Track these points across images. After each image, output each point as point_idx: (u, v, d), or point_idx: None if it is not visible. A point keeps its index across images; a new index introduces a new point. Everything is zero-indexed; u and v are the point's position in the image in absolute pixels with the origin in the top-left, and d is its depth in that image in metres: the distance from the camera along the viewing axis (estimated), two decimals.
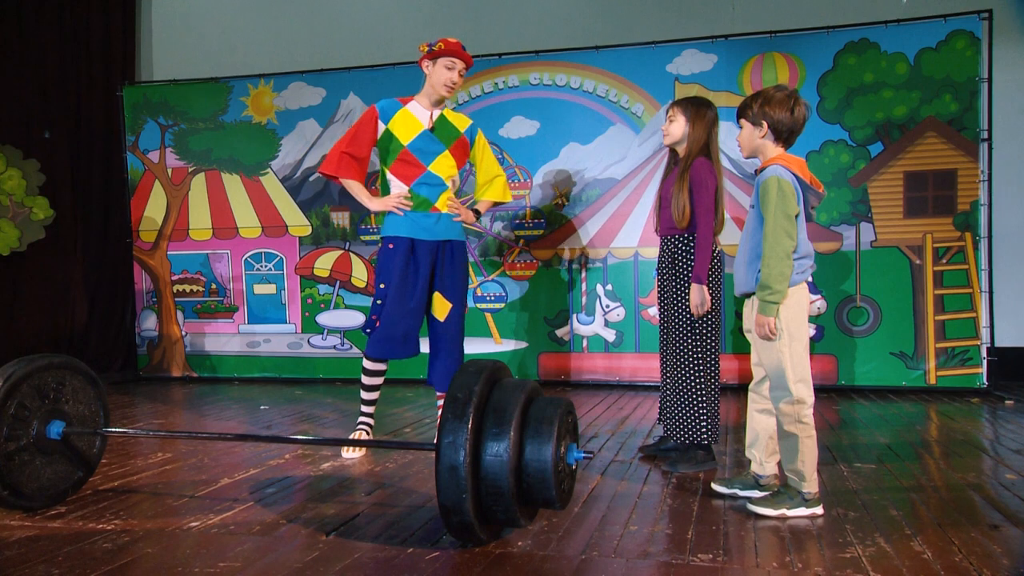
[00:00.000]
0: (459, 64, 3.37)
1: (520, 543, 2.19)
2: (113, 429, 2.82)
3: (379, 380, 3.47)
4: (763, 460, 2.60)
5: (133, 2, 6.73)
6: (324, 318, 5.85)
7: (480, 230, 5.52)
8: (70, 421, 2.61)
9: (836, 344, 4.98)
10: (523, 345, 5.50)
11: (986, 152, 4.80)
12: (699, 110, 3.05)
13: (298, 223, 5.88)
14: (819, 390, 4.66)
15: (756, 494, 2.54)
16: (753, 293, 2.49)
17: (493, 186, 3.62)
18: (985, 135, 4.80)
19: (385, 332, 3.33)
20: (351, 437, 3.47)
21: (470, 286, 5.49)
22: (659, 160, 5.17)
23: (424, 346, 3.50)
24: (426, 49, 3.38)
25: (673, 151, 3.16)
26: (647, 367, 5.22)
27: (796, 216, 2.38)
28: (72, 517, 2.50)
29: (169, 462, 3.28)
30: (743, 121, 2.51)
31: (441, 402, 3.55)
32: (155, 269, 6.14)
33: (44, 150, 6.52)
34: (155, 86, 6.19)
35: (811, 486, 2.40)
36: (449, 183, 3.45)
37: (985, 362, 4.80)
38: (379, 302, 3.36)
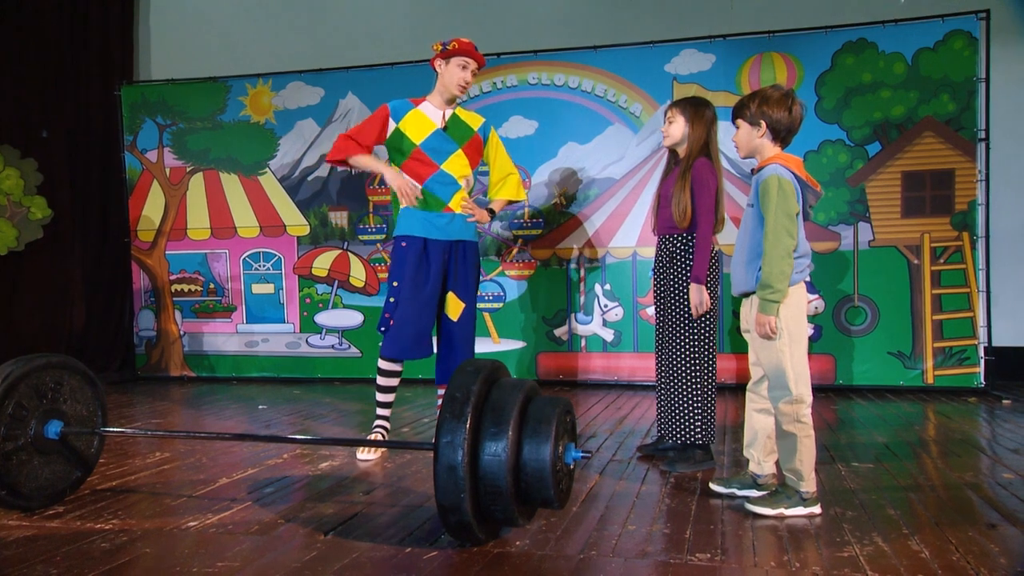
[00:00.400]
0: (472, 64, 3.38)
1: (518, 542, 2.19)
2: (111, 429, 2.82)
3: (395, 381, 3.45)
4: (761, 460, 2.60)
5: (131, 1, 6.72)
6: (322, 318, 5.85)
7: (480, 230, 5.52)
8: (68, 421, 2.60)
9: (834, 344, 4.99)
10: (521, 345, 5.50)
11: (983, 152, 4.80)
12: (698, 110, 3.05)
13: (296, 223, 5.88)
14: (817, 390, 4.67)
15: (754, 493, 2.54)
16: (751, 293, 2.49)
17: (507, 184, 3.61)
18: (983, 135, 4.80)
19: (399, 331, 3.33)
20: (367, 439, 3.46)
21: None
22: (657, 160, 5.18)
23: (434, 345, 3.50)
24: (440, 48, 3.37)
25: (673, 151, 3.16)
26: (645, 367, 5.22)
27: (796, 215, 2.39)
28: (70, 517, 2.50)
29: (167, 462, 3.28)
30: (739, 121, 2.51)
31: None
32: (153, 269, 6.13)
33: (42, 150, 6.52)
34: (153, 86, 6.19)
35: (809, 485, 2.40)
36: (462, 183, 3.44)
37: (982, 362, 4.81)
38: (392, 300, 3.36)
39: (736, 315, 4.94)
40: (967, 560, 2.02)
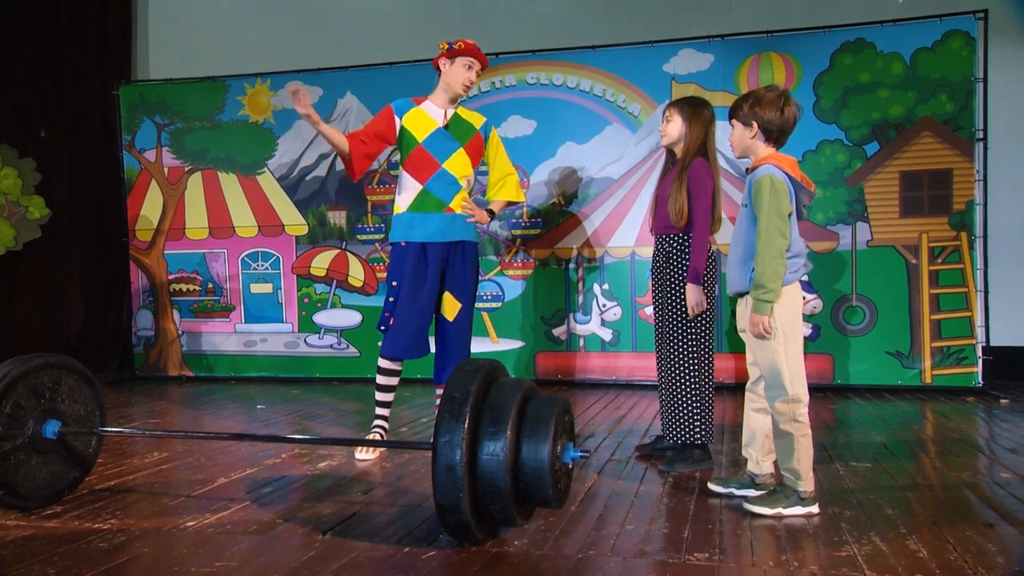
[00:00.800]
0: (477, 64, 3.39)
1: (517, 542, 2.19)
2: (109, 428, 2.82)
3: (394, 380, 3.45)
4: (759, 459, 2.60)
5: (130, 1, 6.71)
6: (321, 317, 5.85)
7: (480, 230, 5.51)
8: (66, 420, 2.60)
9: (832, 343, 5.00)
10: (520, 344, 5.50)
11: (981, 152, 4.81)
12: (695, 110, 3.05)
13: (295, 222, 5.88)
14: (815, 389, 4.68)
15: (752, 493, 2.55)
16: (746, 293, 2.50)
17: (506, 185, 3.60)
18: (980, 135, 4.81)
19: (398, 330, 3.34)
20: (366, 439, 3.46)
21: None
22: (656, 159, 5.18)
23: (431, 345, 3.50)
24: (446, 47, 3.37)
25: (671, 151, 3.16)
26: (644, 366, 5.23)
27: (789, 215, 2.39)
28: (68, 517, 2.50)
29: (165, 461, 3.28)
30: (734, 121, 2.52)
31: None
32: (151, 268, 6.13)
33: (40, 149, 6.51)
34: (151, 85, 6.18)
35: (807, 485, 2.40)
36: (463, 183, 3.44)
37: (980, 361, 4.82)
38: (392, 299, 3.37)
39: (734, 315, 4.94)
40: (965, 559, 2.02)
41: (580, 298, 5.39)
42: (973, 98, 4.80)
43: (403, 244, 3.38)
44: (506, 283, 5.51)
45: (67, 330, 6.58)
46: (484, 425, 2.04)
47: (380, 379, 3.44)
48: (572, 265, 5.40)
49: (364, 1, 6.29)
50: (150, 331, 6.15)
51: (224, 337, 6.03)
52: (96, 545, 2.22)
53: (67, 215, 6.57)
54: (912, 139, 4.89)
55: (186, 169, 6.04)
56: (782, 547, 2.14)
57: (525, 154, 5.41)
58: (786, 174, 2.40)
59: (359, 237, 5.76)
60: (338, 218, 5.80)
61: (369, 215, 5.74)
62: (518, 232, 5.49)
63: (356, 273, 5.79)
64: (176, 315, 6.10)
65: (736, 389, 4.84)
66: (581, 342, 5.40)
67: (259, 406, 4.76)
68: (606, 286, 5.34)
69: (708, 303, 3.01)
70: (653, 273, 3.18)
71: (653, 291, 3.17)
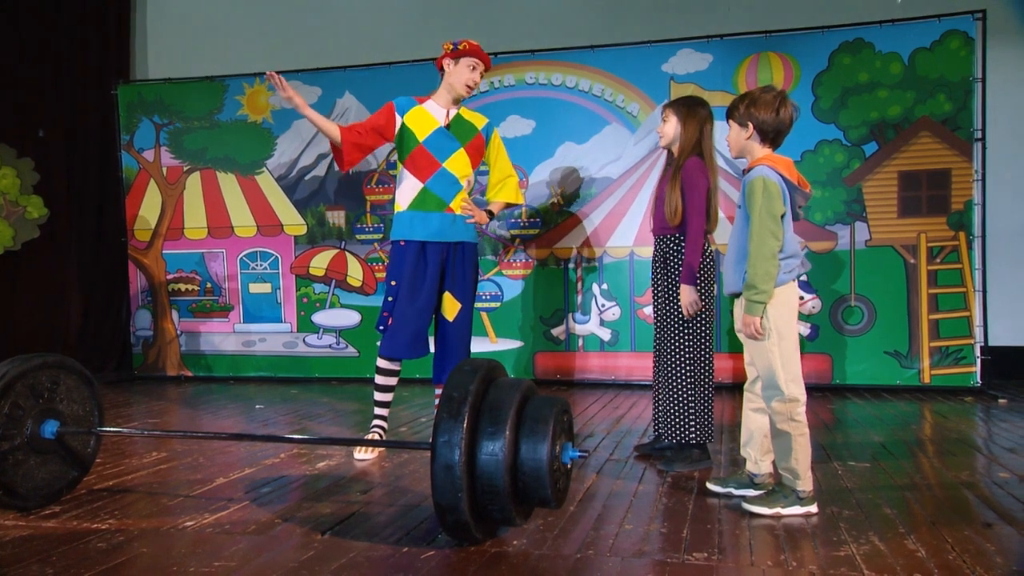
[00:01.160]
0: (481, 65, 3.39)
1: (516, 542, 2.19)
2: (108, 428, 2.82)
3: (393, 380, 3.45)
4: (758, 459, 2.60)
5: (128, 1, 6.71)
6: (320, 317, 5.85)
7: (479, 230, 5.51)
8: (64, 420, 2.60)
9: (830, 343, 5.00)
10: (519, 344, 5.50)
11: (980, 152, 4.82)
12: (691, 110, 3.06)
13: (293, 222, 5.88)
14: (813, 389, 4.68)
15: (751, 493, 2.55)
16: (741, 293, 2.50)
17: (506, 187, 3.60)
18: (979, 135, 4.81)
19: (397, 330, 3.33)
20: (364, 439, 3.46)
21: None
22: (654, 159, 5.18)
23: (431, 345, 3.50)
24: (450, 48, 3.37)
25: (670, 151, 3.16)
26: (643, 366, 5.23)
27: (782, 216, 2.40)
28: (66, 517, 2.49)
29: (164, 461, 3.28)
30: (731, 122, 2.53)
31: None
32: (150, 268, 6.12)
33: (38, 149, 6.50)
34: (150, 85, 6.18)
35: (805, 484, 2.41)
36: (464, 183, 3.44)
37: (979, 361, 4.82)
38: (391, 299, 3.36)
39: (732, 314, 4.94)
40: (963, 559, 2.02)
41: (579, 298, 5.39)
42: (971, 98, 4.80)
43: (402, 243, 3.38)
44: (505, 283, 5.51)
45: (66, 330, 6.58)
46: (483, 425, 2.04)
47: (379, 379, 3.43)
48: (571, 265, 5.40)
49: (363, 1, 6.29)
50: (149, 331, 6.14)
51: (223, 337, 6.03)
52: (95, 545, 2.22)
53: (66, 215, 6.56)
54: (910, 139, 4.90)
55: (185, 169, 6.04)
56: (781, 547, 2.14)
57: (524, 154, 5.41)
58: (780, 175, 2.41)
59: (358, 237, 5.76)
60: (337, 218, 5.79)
61: (368, 215, 5.74)
62: (517, 232, 5.49)
63: (355, 273, 5.79)
64: (175, 315, 6.10)
65: (735, 389, 4.84)
66: (580, 342, 5.40)
67: (258, 406, 4.75)
68: (605, 286, 5.34)
69: (706, 303, 3.01)
70: (653, 273, 3.18)
71: (652, 291, 3.18)
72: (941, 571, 1.94)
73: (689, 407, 3.02)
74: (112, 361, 6.45)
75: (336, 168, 5.68)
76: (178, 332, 6.10)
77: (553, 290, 5.44)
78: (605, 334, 5.35)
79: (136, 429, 3.88)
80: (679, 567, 2.00)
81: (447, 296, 3.42)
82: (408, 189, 3.40)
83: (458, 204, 3.41)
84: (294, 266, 5.89)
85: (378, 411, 3.47)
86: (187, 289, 6.07)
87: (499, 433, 2.02)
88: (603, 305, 5.34)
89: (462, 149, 3.42)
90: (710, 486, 2.69)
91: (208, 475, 3.03)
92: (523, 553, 2.11)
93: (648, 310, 5.23)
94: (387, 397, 3.46)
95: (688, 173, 2.99)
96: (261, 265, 5.94)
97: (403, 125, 3.40)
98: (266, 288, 5.94)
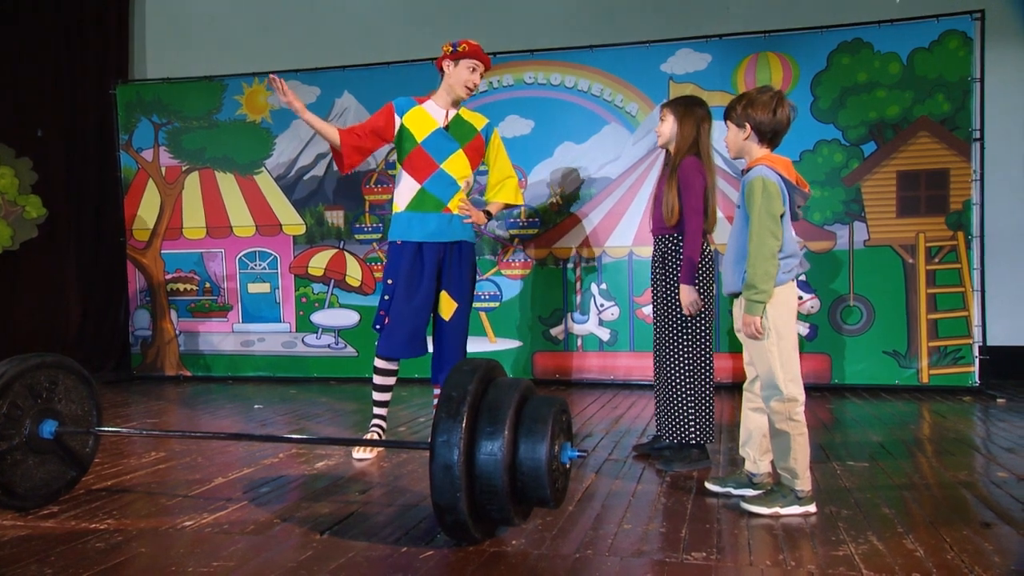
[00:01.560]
0: (481, 67, 3.39)
1: (514, 542, 2.19)
2: (106, 428, 2.81)
3: (391, 380, 3.45)
4: (757, 458, 2.61)
5: (127, 0, 6.70)
6: (318, 317, 5.85)
7: (477, 229, 5.51)
8: (63, 420, 2.60)
9: (829, 343, 5.00)
10: (518, 344, 5.50)
11: (978, 152, 4.82)
12: (688, 109, 3.06)
13: (292, 222, 5.87)
14: (812, 389, 4.68)
15: (750, 492, 2.55)
16: (740, 293, 2.50)
17: (505, 188, 3.59)
18: (977, 135, 4.81)
19: (394, 329, 3.33)
20: (364, 439, 3.45)
21: None
22: (653, 159, 5.18)
23: (428, 345, 3.50)
24: (450, 50, 3.36)
25: (668, 151, 3.16)
26: (641, 366, 5.23)
27: (781, 216, 2.40)
28: (65, 517, 2.49)
29: (162, 461, 3.27)
30: (728, 123, 2.53)
31: None
32: (148, 268, 6.12)
33: (37, 148, 6.50)
34: (149, 84, 6.17)
35: (804, 484, 2.41)
36: (462, 184, 3.43)
37: (977, 361, 4.83)
38: (387, 298, 3.37)
39: (732, 314, 4.94)
40: (962, 559, 2.02)
41: (578, 298, 5.39)
42: (970, 98, 4.81)
43: (399, 243, 3.38)
44: (504, 283, 5.51)
45: (64, 330, 6.57)
46: (482, 425, 2.04)
47: (377, 379, 3.43)
48: (570, 265, 5.40)
49: (362, 1, 6.29)
50: (147, 331, 6.14)
51: (221, 337, 6.02)
52: (93, 545, 2.22)
53: (64, 215, 6.56)
54: (909, 139, 4.90)
55: (183, 169, 6.04)
56: (779, 546, 2.14)
57: (523, 154, 5.41)
58: (779, 175, 2.41)
59: (357, 237, 5.76)
60: (336, 218, 5.79)
61: (367, 215, 5.73)
62: (516, 232, 5.49)
63: (354, 273, 5.78)
64: (173, 315, 6.10)
65: (734, 388, 4.84)
66: (579, 342, 5.40)
67: (256, 406, 4.75)
68: (604, 286, 5.34)
69: (705, 302, 3.01)
70: (652, 273, 3.18)
71: (652, 291, 3.18)
72: (939, 571, 1.95)
73: (689, 407, 3.02)
74: (111, 361, 6.44)
75: (335, 168, 5.69)
76: (177, 332, 6.10)
77: (552, 290, 5.44)
78: (604, 334, 5.35)
79: (135, 429, 3.88)
80: (678, 567, 2.00)
81: (443, 295, 3.42)
82: (406, 190, 3.40)
83: (456, 204, 3.41)
84: (293, 266, 5.89)
85: (376, 411, 3.46)
86: (186, 289, 6.07)
87: (498, 433, 2.02)
88: (602, 305, 5.34)
89: (461, 150, 3.42)
90: (709, 486, 2.69)
91: (207, 475, 3.02)
92: (522, 553, 2.11)
93: (647, 310, 5.23)
94: (385, 397, 3.46)
95: (684, 172, 2.99)
96: (260, 265, 5.94)
97: (402, 126, 3.40)
98: (265, 288, 5.94)
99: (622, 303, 5.31)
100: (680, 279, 2.98)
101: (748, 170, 2.48)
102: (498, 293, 5.52)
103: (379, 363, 3.41)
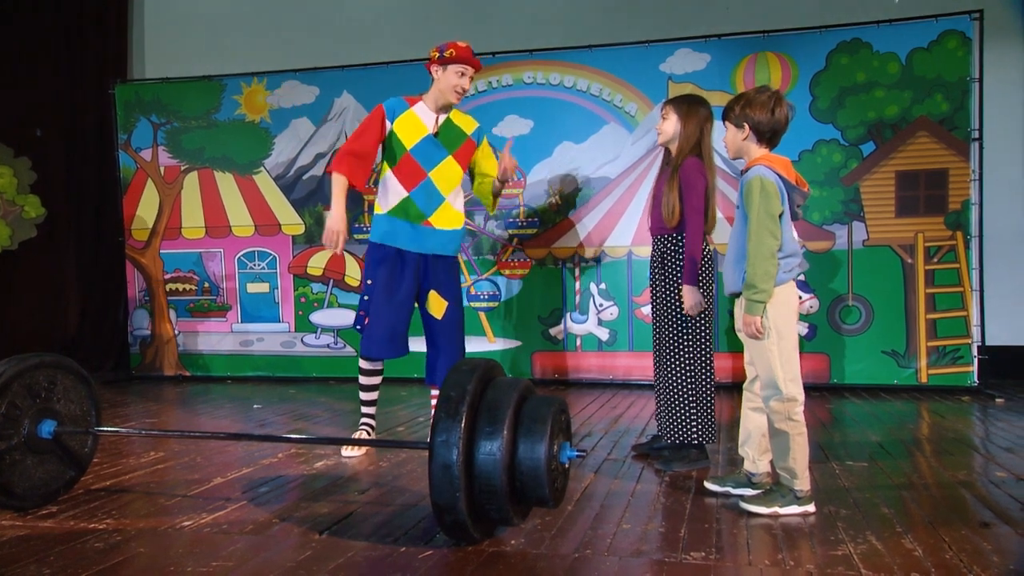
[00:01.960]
0: (470, 71, 3.33)
1: (513, 541, 2.19)
2: (105, 428, 2.81)
3: (377, 380, 3.45)
4: (756, 458, 2.61)
5: (126, 0, 6.70)
6: (317, 317, 5.84)
7: (474, 228, 5.52)
8: (62, 420, 2.60)
9: (828, 343, 5.00)
10: (517, 344, 5.50)
11: (977, 152, 4.82)
12: (691, 108, 3.05)
13: (291, 221, 5.87)
14: (811, 388, 4.68)
15: (749, 492, 2.55)
16: (741, 293, 2.50)
17: (483, 186, 3.56)
18: (976, 135, 4.82)
19: (375, 329, 3.32)
20: (353, 437, 3.45)
21: (463, 284, 5.49)
22: (652, 159, 5.18)
23: (420, 345, 3.49)
24: (437, 55, 3.31)
25: (667, 150, 3.16)
26: (641, 366, 5.23)
27: (780, 216, 2.40)
28: (64, 516, 2.49)
29: (161, 461, 3.27)
30: (727, 123, 2.53)
31: None
32: (147, 268, 6.12)
33: (35, 148, 6.49)
34: (148, 84, 6.17)
35: (803, 484, 2.41)
36: (448, 195, 3.38)
37: (976, 360, 4.83)
38: (367, 298, 3.35)
39: (731, 314, 4.95)
40: (960, 558, 2.02)
41: (577, 297, 5.39)
42: (969, 98, 4.81)
43: (380, 244, 3.36)
44: (503, 283, 5.51)
45: (63, 330, 6.57)
46: (481, 424, 2.04)
47: (362, 379, 3.44)
48: (569, 264, 5.41)
49: (361, 1, 6.29)
50: (146, 331, 6.14)
51: (220, 337, 6.02)
52: (92, 545, 2.22)
53: (63, 214, 6.56)
54: (908, 139, 4.90)
55: (182, 168, 6.03)
56: (778, 546, 2.14)
57: (522, 153, 5.40)
58: (778, 175, 2.41)
59: (356, 237, 5.75)
60: None
61: (366, 215, 5.73)
62: (515, 232, 5.49)
63: (353, 272, 5.78)
64: (172, 315, 6.09)
65: (734, 388, 4.84)
66: (578, 341, 5.40)
67: (255, 406, 4.75)
68: (603, 285, 5.34)
69: (705, 302, 3.01)
70: (651, 273, 3.18)
71: (651, 291, 3.18)
72: (938, 570, 1.95)
73: (690, 407, 3.02)
74: (110, 361, 6.44)
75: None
76: (176, 332, 6.09)
77: (551, 290, 5.44)
78: (603, 334, 5.35)
79: (133, 429, 3.88)
80: (677, 566, 2.00)
81: (433, 295, 3.39)
82: (393, 194, 3.36)
83: (439, 218, 3.35)
84: (292, 266, 5.88)
85: (365, 410, 3.48)
86: (185, 289, 6.07)
87: (497, 432, 2.02)
88: (601, 305, 5.34)
89: (450, 157, 3.38)
90: (708, 485, 2.69)
91: (205, 475, 3.02)
92: (521, 553, 2.11)
93: (646, 310, 5.23)
94: (372, 396, 3.46)
95: (686, 172, 2.99)
96: (259, 265, 5.94)
97: (392, 132, 3.36)
98: (264, 288, 5.93)
99: (621, 303, 5.31)
100: (683, 279, 2.98)
101: (747, 170, 2.48)
102: (497, 293, 5.52)
103: (363, 364, 3.42)
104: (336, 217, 3.26)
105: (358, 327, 3.37)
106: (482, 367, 2.16)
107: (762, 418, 2.57)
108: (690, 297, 2.95)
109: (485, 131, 3.62)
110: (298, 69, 5.84)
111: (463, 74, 3.31)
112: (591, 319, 5.37)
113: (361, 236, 5.74)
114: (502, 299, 5.51)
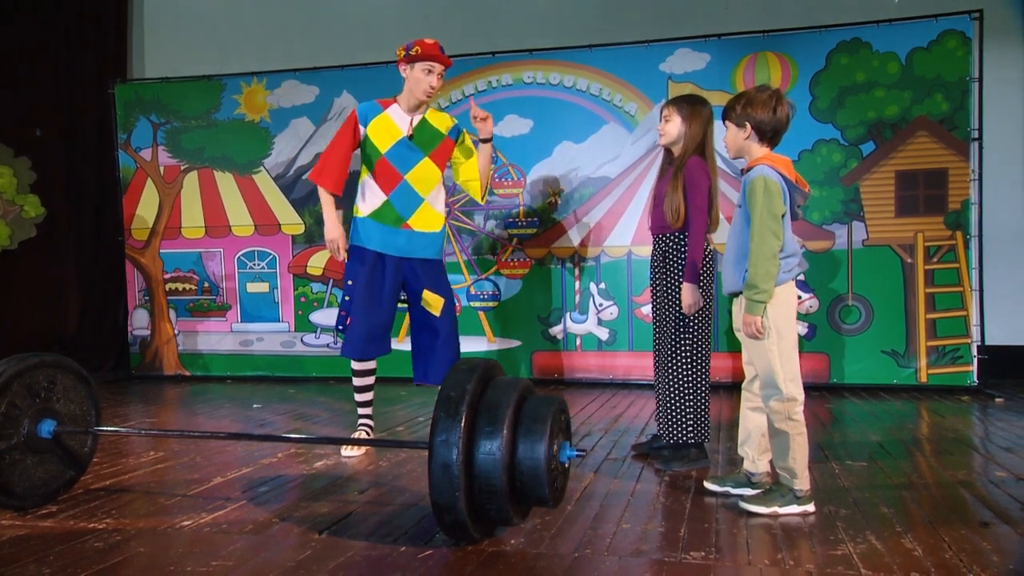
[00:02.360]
0: (438, 67, 3.26)
1: (513, 541, 2.20)
2: (105, 428, 2.81)
3: (370, 380, 3.45)
4: (755, 458, 2.61)
5: (126, 0, 6.69)
6: (317, 316, 5.84)
7: (473, 228, 5.52)
8: (61, 420, 2.60)
9: (828, 342, 5.00)
10: (516, 343, 5.50)
11: (976, 151, 4.82)
12: (695, 108, 3.05)
13: (291, 221, 5.87)
14: (811, 388, 4.68)
15: (748, 492, 2.55)
16: (740, 292, 2.50)
17: (469, 189, 3.52)
18: (976, 134, 4.82)
19: (357, 330, 3.31)
20: (352, 437, 3.45)
21: (463, 284, 5.50)
22: (652, 159, 5.18)
23: (407, 344, 3.48)
24: (403, 54, 3.26)
25: (668, 150, 3.16)
26: (640, 365, 5.23)
27: (782, 216, 2.40)
28: (63, 516, 2.49)
29: (161, 461, 3.27)
30: (728, 123, 2.53)
31: None
32: (147, 268, 6.11)
33: (36, 148, 6.49)
34: (147, 84, 6.17)
35: (802, 483, 2.41)
36: (427, 196, 3.36)
37: (975, 360, 4.83)
38: (348, 299, 3.35)
39: (731, 314, 4.95)
40: (960, 558, 2.02)
41: (577, 297, 5.39)
42: (968, 98, 4.81)
43: (360, 247, 3.36)
44: (502, 282, 5.51)
45: (63, 329, 6.57)
46: (480, 424, 2.04)
47: (355, 380, 3.45)
48: (569, 264, 5.41)
49: (361, 0, 6.28)
50: (146, 330, 6.14)
51: (220, 336, 6.02)
52: (91, 545, 2.22)
53: (63, 214, 6.55)
54: (908, 139, 4.90)
55: (182, 168, 6.03)
56: (778, 546, 2.14)
57: (521, 153, 5.41)
58: (780, 174, 2.41)
59: None
60: None
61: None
62: (515, 231, 5.49)
63: None
64: (172, 314, 6.09)
65: (733, 388, 4.84)
66: (577, 341, 5.40)
67: (255, 405, 4.75)
68: (602, 285, 5.34)
69: (705, 302, 3.01)
70: (651, 273, 3.18)
71: (651, 290, 3.18)
72: (938, 570, 1.95)
73: (687, 407, 3.02)
74: (109, 360, 6.44)
75: None
76: (175, 331, 6.09)
77: (551, 289, 5.44)
78: (603, 333, 5.35)
79: (133, 428, 3.88)
80: (676, 566, 2.00)
81: (427, 294, 3.38)
82: (371, 197, 3.35)
83: (417, 220, 3.34)
84: (292, 265, 5.88)
85: (361, 410, 3.48)
86: (184, 288, 6.06)
87: (497, 432, 2.02)
88: (601, 304, 5.34)
89: (427, 159, 3.35)
90: (707, 485, 2.69)
91: (205, 475, 3.02)
92: (520, 552, 2.11)
93: (646, 309, 5.23)
94: (367, 396, 3.46)
95: (690, 172, 2.99)
96: (259, 264, 5.94)
97: (366, 136, 3.34)
98: (264, 287, 5.93)
99: (621, 302, 5.31)
100: (684, 278, 2.98)
101: (748, 169, 2.48)
102: (497, 292, 5.52)
103: (354, 365, 3.41)
104: (330, 226, 3.33)
105: (340, 328, 3.37)
106: (482, 367, 2.16)
107: (761, 418, 2.57)
108: (689, 296, 2.96)
109: (463, 126, 3.55)
110: (298, 69, 5.84)
111: (430, 71, 3.25)
112: (591, 319, 5.37)
113: None
114: (502, 299, 5.51)
